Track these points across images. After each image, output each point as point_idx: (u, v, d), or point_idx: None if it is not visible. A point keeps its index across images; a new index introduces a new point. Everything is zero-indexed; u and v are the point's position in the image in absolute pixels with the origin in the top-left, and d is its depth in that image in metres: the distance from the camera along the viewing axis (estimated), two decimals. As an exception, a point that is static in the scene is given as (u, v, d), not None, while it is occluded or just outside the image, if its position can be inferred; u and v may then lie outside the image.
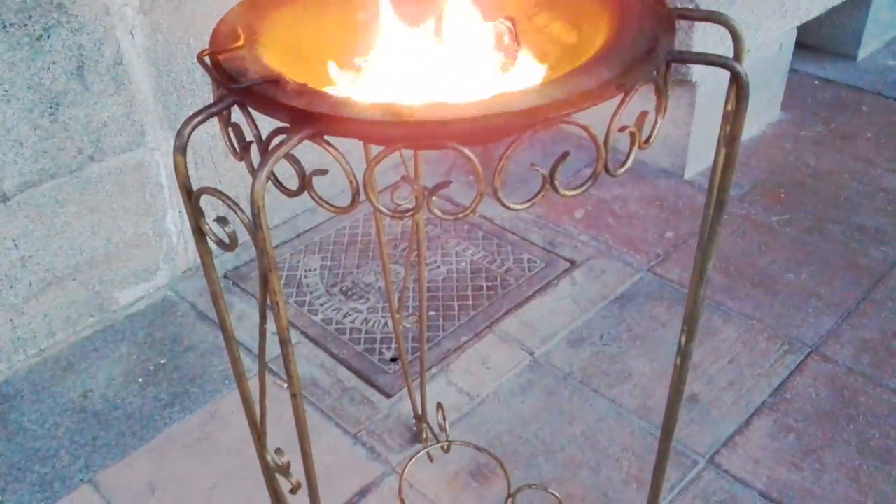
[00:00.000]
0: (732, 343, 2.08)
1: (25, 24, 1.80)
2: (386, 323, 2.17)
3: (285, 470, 0.98)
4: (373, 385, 1.99)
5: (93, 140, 2.00)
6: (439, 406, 1.75)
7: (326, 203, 0.78)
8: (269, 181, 0.75)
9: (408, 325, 1.78)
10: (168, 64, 2.07)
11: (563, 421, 1.88)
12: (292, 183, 0.78)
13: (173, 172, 2.19)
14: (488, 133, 0.74)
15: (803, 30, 2.88)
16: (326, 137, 0.75)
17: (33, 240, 1.99)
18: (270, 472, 1.03)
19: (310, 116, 0.74)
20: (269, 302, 0.82)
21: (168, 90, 2.09)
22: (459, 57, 0.88)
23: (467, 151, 0.73)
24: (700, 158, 2.70)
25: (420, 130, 0.73)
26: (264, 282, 0.77)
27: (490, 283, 2.31)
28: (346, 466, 1.79)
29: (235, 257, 2.41)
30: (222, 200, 0.76)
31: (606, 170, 0.79)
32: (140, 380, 2.04)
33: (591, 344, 2.09)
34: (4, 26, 1.77)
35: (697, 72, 2.45)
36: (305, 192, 0.79)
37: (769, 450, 1.79)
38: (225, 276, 2.36)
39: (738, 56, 0.90)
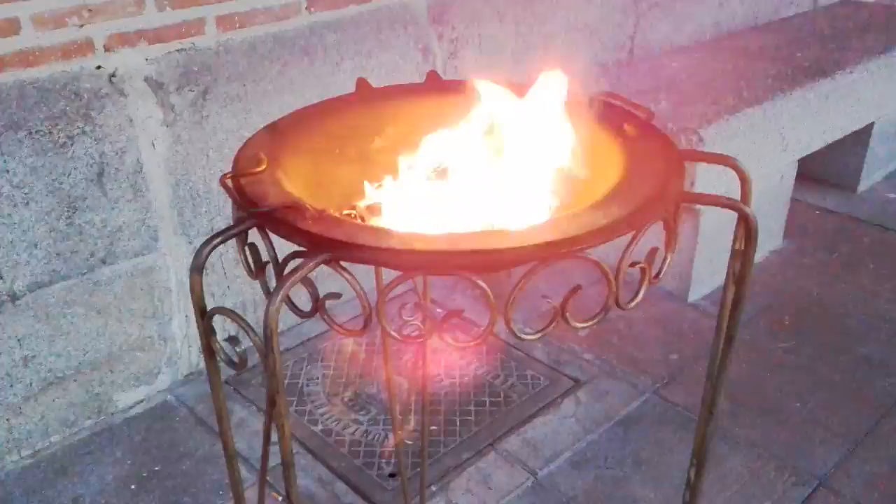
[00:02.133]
0: (739, 472, 2.03)
1: (51, 132, 1.86)
2: (386, 436, 2.14)
3: None
4: (370, 501, 1.94)
5: (106, 244, 2.03)
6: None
7: (339, 326, 0.79)
8: (287, 304, 0.77)
9: (409, 442, 1.75)
10: (186, 173, 2.12)
11: (565, 549, 1.82)
12: (303, 303, 0.79)
13: (183, 278, 2.22)
14: (500, 265, 0.76)
15: (805, 161, 2.96)
16: (342, 263, 0.77)
17: (38, 340, 1.99)
18: None
19: (327, 242, 0.76)
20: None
21: (184, 198, 2.14)
22: (478, 186, 0.90)
23: (481, 283, 0.74)
24: (704, 282, 2.72)
25: (433, 260, 0.74)
26: (271, 403, 0.77)
27: (493, 399, 2.28)
28: (338, 589, 1.73)
29: (238, 364, 2.39)
30: (236, 322, 0.77)
31: (617, 304, 0.80)
32: (133, 486, 2.00)
33: (596, 467, 2.05)
34: (31, 133, 1.84)
35: (702, 197, 2.51)
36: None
37: (778, 589, 1.73)
38: (226, 382, 2.34)
39: (745, 198, 0.93)
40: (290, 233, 0.78)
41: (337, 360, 2.45)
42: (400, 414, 1.59)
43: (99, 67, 1.92)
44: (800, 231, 3.15)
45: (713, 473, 2.01)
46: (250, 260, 0.86)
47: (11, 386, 1.99)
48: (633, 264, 0.83)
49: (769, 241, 3.00)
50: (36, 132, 1.84)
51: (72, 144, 1.90)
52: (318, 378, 2.37)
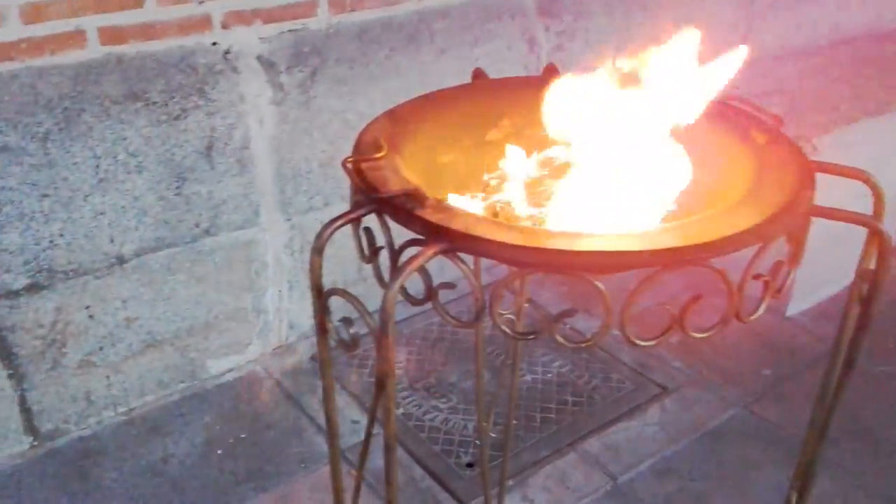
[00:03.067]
0: (830, 497, 1.95)
1: (166, 104, 1.93)
2: (465, 425, 2.14)
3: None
4: (447, 489, 1.95)
5: (210, 215, 2.09)
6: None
7: (450, 317, 0.79)
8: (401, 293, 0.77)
9: (493, 435, 1.75)
10: (290, 152, 2.17)
11: (642, 557, 1.79)
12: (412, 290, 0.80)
13: (280, 253, 2.27)
14: (622, 267, 0.74)
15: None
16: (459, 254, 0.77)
17: (141, 303, 2.07)
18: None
19: (445, 232, 0.76)
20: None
21: (286, 176, 2.19)
22: (603, 183, 0.89)
23: (600, 286, 0.73)
24: (803, 298, 2.62)
25: (555, 258, 0.73)
26: (380, 386, 0.77)
27: (575, 399, 2.26)
28: (411, 573, 1.75)
29: (325, 341, 2.44)
30: (353, 305, 0.78)
31: (737, 316, 0.77)
32: (219, 451, 2.06)
33: (679, 477, 2.00)
34: (147, 104, 1.90)
35: (809, 209, 2.41)
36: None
37: None
38: (312, 358, 2.39)
39: (878, 214, 0.88)
40: (409, 221, 0.78)
41: (421, 346, 2.46)
42: (484, 406, 1.59)
43: (215, 44, 1.98)
44: (910, 251, 2.99)
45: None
46: (364, 244, 0.87)
47: (113, 345, 2.07)
48: (756, 277, 0.79)
49: (876, 258, 2.86)
50: (152, 103, 1.90)
51: (185, 117, 1.96)
52: (401, 362, 2.39)
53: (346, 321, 0.80)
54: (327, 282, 2.64)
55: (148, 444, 2.08)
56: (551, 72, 1.15)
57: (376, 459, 2.07)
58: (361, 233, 0.88)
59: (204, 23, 1.95)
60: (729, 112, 0.98)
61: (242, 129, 2.07)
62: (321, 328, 0.84)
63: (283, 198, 2.21)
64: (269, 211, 2.20)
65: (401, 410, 2.20)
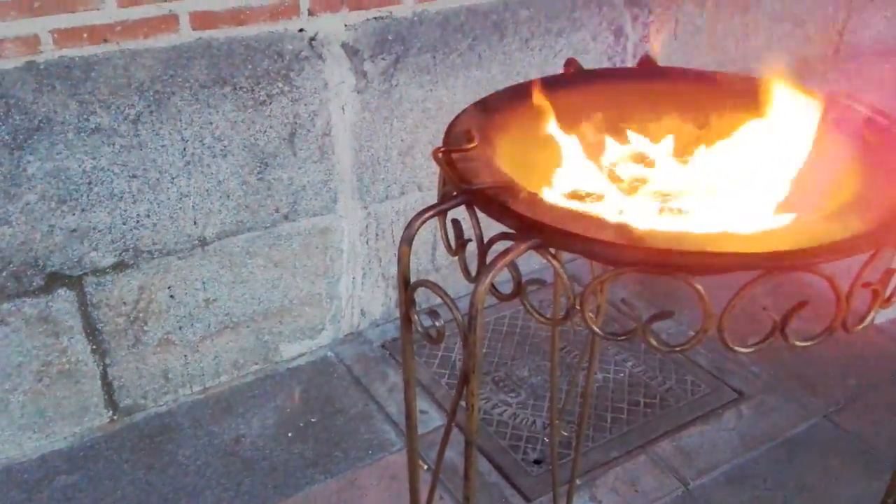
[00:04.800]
0: (916, 517, 1.86)
1: (253, 90, 1.95)
2: (534, 421, 2.12)
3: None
4: (513, 485, 1.93)
5: (290, 201, 2.12)
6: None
7: (539, 314, 0.77)
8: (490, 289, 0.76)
9: (565, 434, 1.72)
10: (369, 140, 2.17)
11: (714, 566, 1.74)
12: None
13: (355, 241, 2.29)
14: (724, 269, 0.71)
15: None
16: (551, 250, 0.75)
17: (220, 284, 2.11)
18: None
19: (538, 226, 0.74)
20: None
21: (365, 164, 2.19)
22: (706, 182, 0.85)
23: (698, 287, 0.70)
24: (893, 306, 2.50)
25: (651, 257, 0.70)
26: (464, 380, 0.76)
27: (648, 400, 2.21)
28: (477, 566, 1.73)
29: (394, 329, 2.45)
30: (441, 297, 0.77)
31: (844, 326, 0.73)
32: (290, 434, 2.09)
33: (753, 486, 1.94)
34: (235, 88, 1.93)
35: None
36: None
37: None
38: (382, 346, 2.40)
39: None
40: (501, 213, 0.76)
41: (491, 338, 2.45)
42: (537, 388, 1.57)
43: (301, 30, 1.99)
44: None
45: (886, 514, 1.86)
46: (451, 236, 0.86)
47: (192, 325, 2.12)
48: (864, 285, 0.75)
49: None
50: (239, 88, 1.93)
51: (270, 103, 1.98)
52: (472, 354, 2.37)
53: (433, 313, 0.79)
54: (394, 272, 2.63)
55: (221, 423, 2.12)
56: (647, 63, 1.11)
57: (445, 452, 2.06)
58: (449, 224, 0.86)
59: (292, 9, 1.97)
60: (840, 109, 0.93)
61: (325, 116, 2.08)
62: (406, 319, 0.84)
63: (361, 185, 2.22)
64: (346, 198, 2.21)
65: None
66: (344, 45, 2.06)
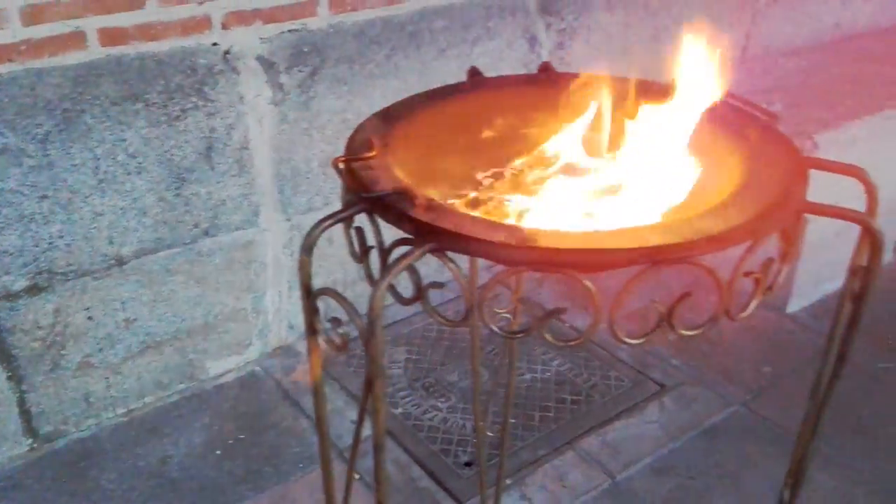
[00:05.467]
0: (829, 494, 1.95)
1: (166, 105, 1.93)
2: (464, 425, 2.14)
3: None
4: (444, 488, 1.95)
5: (210, 216, 2.10)
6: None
7: (440, 316, 0.79)
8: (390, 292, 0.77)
9: (490, 434, 1.75)
10: (289, 153, 2.17)
11: (641, 556, 1.79)
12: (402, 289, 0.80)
13: (279, 254, 2.28)
14: (612, 265, 0.74)
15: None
16: (448, 253, 0.77)
17: (140, 304, 2.08)
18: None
19: (435, 231, 0.76)
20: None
21: (285, 176, 2.19)
22: (591, 184, 0.89)
23: (588, 283, 0.73)
24: (804, 295, 2.62)
25: (543, 256, 0.73)
26: (369, 386, 0.78)
27: (574, 397, 2.26)
28: (410, 572, 1.75)
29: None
30: (341, 305, 0.78)
31: (727, 314, 0.77)
32: (218, 451, 2.06)
33: (677, 475, 2.00)
34: (147, 104, 1.91)
35: (808, 207, 2.40)
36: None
37: None
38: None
39: (871, 211, 0.88)
40: (399, 219, 0.78)
41: (420, 345, 2.46)
42: (481, 405, 1.59)
43: (215, 44, 1.98)
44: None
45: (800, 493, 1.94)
46: (356, 244, 0.87)
47: (112, 346, 2.08)
48: (746, 274, 0.79)
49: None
50: (152, 104, 1.91)
51: (185, 118, 1.97)
52: (400, 362, 2.39)
53: (336, 321, 0.80)
54: (330, 281, 2.64)
55: (146, 446, 2.08)
56: (547, 70, 1.15)
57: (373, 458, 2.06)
58: (353, 232, 0.88)
59: (204, 23, 1.96)
60: (723, 109, 0.98)
61: (242, 130, 2.07)
62: (310, 328, 0.85)
63: (283, 198, 2.22)
64: (268, 211, 2.20)
65: (399, 410, 2.20)
66: (259, 58, 2.05)
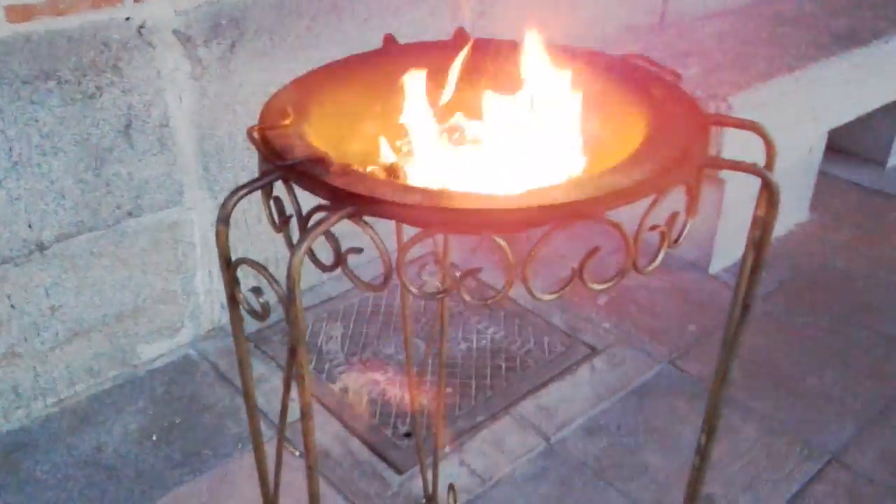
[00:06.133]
0: (752, 444, 2.04)
1: (80, 82, 1.88)
2: (402, 396, 2.16)
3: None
4: (385, 460, 1.97)
5: (132, 196, 2.06)
6: (451, 488, 1.74)
7: (359, 280, 0.80)
8: (311, 259, 0.78)
9: (424, 402, 1.77)
10: (212, 128, 2.13)
11: (576, 512, 1.85)
12: (326, 257, 0.80)
13: (207, 233, 2.24)
14: (522, 224, 0.76)
15: (835, 134, 2.92)
16: (364, 218, 0.78)
17: (65, 290, 2.03)
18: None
19: (350, 196, 0.77)
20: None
21: (210, 153, 2.15)
22: (505, 145, 0.91)
23: (500, 241, 0.74)
24: (726, 254, 2.71)
25: (456, 217, 0.75)
26: (292, 354, 0.78)
27: (509, 364, 2.30)
28: (351, 542, 1.77)
29: (258, 322, 2.43)
30: (259, 273, 0.78)
31: (635, 267, 0.80)
32: (154, 437, 2.04)
33: (608, 434, 2.06)
34: (60, 82, 1.85)
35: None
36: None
37: (786, 559, 1.75)
38: (248, 339, 2.37)
39: (769, 164, 0.92)
40: (314, 186, 0.79)
41: (356, 320, 2.47)
42: (417, 375, 1.62)
43: (128, 19, 1.92)
44: (826, 205, 3.11)
45: (725, 444, 2.03)
46: (275, 213, 0.87)
47: (38, 334, 2.03)
48: (653, 228, 0.83)
49: (794, 214, 2.97)
50: (65, 82, 1.85)
51: (100, 95, 1.91)
52: (336, 337, 2.40)
53: (256, 290, 0.80)
54: (262, 258, 2.60)
55: (80, 435, 2.04)
56: (460, 35, 1.16)
57: (316, 435, 2.06)
58: (272, 203, 0.88)
59: (115, -2, 1.90)
60: (629, 69, 1.01)
61: (161, 106, 2.03)
62: (231, 299, 0.85)
63: (208, 175, 2.18)
64: (193, 189, 2.16)
65: (337, 385, 2.21)
66: (176, 32, 2.01)
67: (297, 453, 1.99)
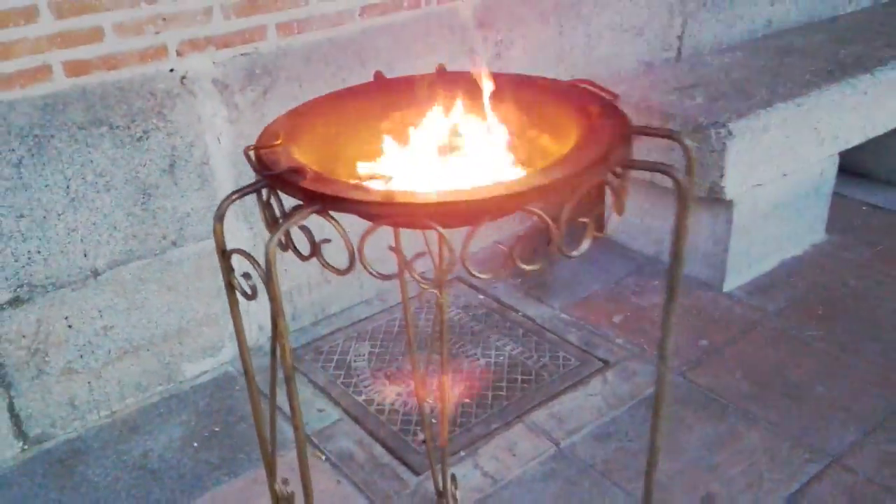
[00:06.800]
0: (755, 448, 2.13)
1: (129, 127, 2.13)
2: (421, 406, 2.31)
3: (289, 499, 1.14)
4: (404, 463, 2.13)
5: (176, 228, 2.29)
6: (453, 478, 1.88)
7: (330, 266, 0.98)
8: (290, 250, 0.97)
9: (430, 402, 1.93)
10: (247, 166, 2.35)
11: (580, 510, 1.96)
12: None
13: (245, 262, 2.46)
14: (453, 215, 0.93)
15: (852, 157, 3.00)
16: (332, 214, 0.96)
17: (116, 312, 2.26)
18: (277, 501, 1.18)
19: (319, 196, 0.95)
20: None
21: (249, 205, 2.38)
22: (462, 158, 1.08)
23: (438, 228, 0.91)
24: (739, 273, 2.81)
25: (401, 210, 0.92)
26: (274, 324, 0.96)
27: (525, 377, 2.44)
28: (370, 536, 1.92)
29: (294, 340, 2.62)
30: (248, 260, 0.97)
31: (560, 250, 0.96)
32: (195, 444, 2.24)
33: (617, 440, 2.18)
34: (112, 127, 2.10)
35: (732, 191, 2.59)
36: (318, 259, 0.99)
37: (781, 553, 1.83)
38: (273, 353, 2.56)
39: (689, 168, 1.07)
40: (292, 189, 0.97)
41: (383, 339, 2.65)
42: (431, 383, 1.78)
43: (172, 70, 2.18)
44: (843, 226, 3.18)
45: (729, 449, 2.12)
46: (268, 216, 1.06)
47: (93, 352, 2.25)
48: (580, 221, 0.98)
49: (810, 235, 3.05)
50: (116, 127, 2.10)
51: (147, 138, 2.16)
52: (364, 355, 2.57)
53: (246, 276, 0.99)
54: (295, 284, 2.79)
55: (129, 442, 2.25)
56: (441, 71, 1.35)
57: (338, 441, 2.25)
58: (267, 209, 1.07)
59: (161, 52, 2.16)
60: (574, 92, 1.18)
61: (201, 147, 2.27)
62: (228, 284, 1.03)
63: (244, 209, 2.41)
64: (230, 221, 2.39)
65: (362, 397, 2.38)
66: (214, 81, 2.25)
67: (323, 457, 2.16)
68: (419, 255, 0.99)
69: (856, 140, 2.94)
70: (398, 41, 2.59)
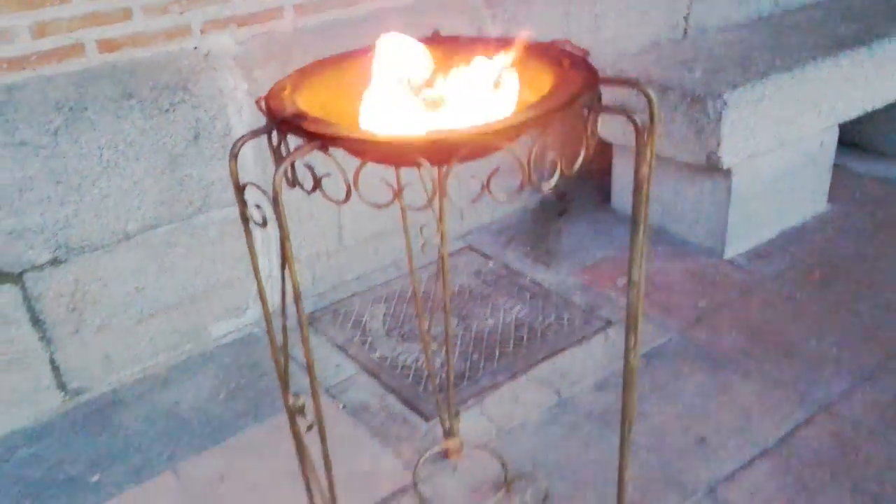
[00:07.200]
0: (746, 397, 2.25)
1: (157, 100, 2.29)
2: (434, 362, 2.46)
3: (300, 409, 1.29)
4: (415, 410, 2.28)
5: (202, 195, 2.45)
6: (456, 413, 2.02)
7: (329, 198, 1.12)
8: (297, 185, 1.11)
9: (434, 348, 2.07)
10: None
11: (580, 450, 2.09)
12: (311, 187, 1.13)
13: (267, 227, 2.62)
14: (437, 153, 1.06)
15: (855, 129, 3.08)
16: (331, 150, 1.10)
17: (147, 273, 2.43)
18: (291, 413, 1.34)
19: (319, 136, 1.09)
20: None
21: (266, 158, 2.54)
22: (450, 102, 1.22)
23: (422, 161, 1.05)
24: (740, 240, 2.91)
25: (387, 148, 1.06)
26: (282, 246, 1.11)
27: (530, 336, 2.57)
28: (383, 474, 2.07)
29: (313, 304, 2.78)
30: (261, 191, 1.11)
31: (530, 181, 1.09)
32: (221, 395, 2.41)
33: (615, 389, 2.31)
34: (140, 100, 2.26)
35: (729, 160, 2.69)
36: (320, 192, 1.13)
37: (767, 488, 1.95)
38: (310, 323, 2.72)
39: (652, 116, 1.19)
40: (295, 130, 1.11)
41: (398, 302, 2.79)
42: (443, 342, 1.93)
43: (196, 48, 2.33)
44: (844, 197, 3.27)
45: (722, 397, 2.25)
46: (276, 156, 1.21)
47: (126, 311, 2.43)
48: (549, 161, 1.12)
49: (811, 205, 3.14)
50: (144, 100, 2.26)
51: (173, 111, 2.32)
52: (379, 316, 2.72)
53: (258, 207, 1.13)
54: (314, 251, 2.96)
55: (161, 394, 2.43)
56: (437, 35, 1.48)
57: (355, 393, 2.40)
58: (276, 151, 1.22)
59: (185, 31, 2.31)
60: (551, 50, 1.31)
61: (224, 119, 2.42)
62: (242, 216, 1.18)
63: (265, 176, 2.56)
64: (252, 189, 2.54)
65: (377, 353, 2.53)
66: (235, 58, 2.41)
67: (342, 406, 2.32)
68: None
69: (855, 112, 3.02)
70: (411, 20, 2.72)
